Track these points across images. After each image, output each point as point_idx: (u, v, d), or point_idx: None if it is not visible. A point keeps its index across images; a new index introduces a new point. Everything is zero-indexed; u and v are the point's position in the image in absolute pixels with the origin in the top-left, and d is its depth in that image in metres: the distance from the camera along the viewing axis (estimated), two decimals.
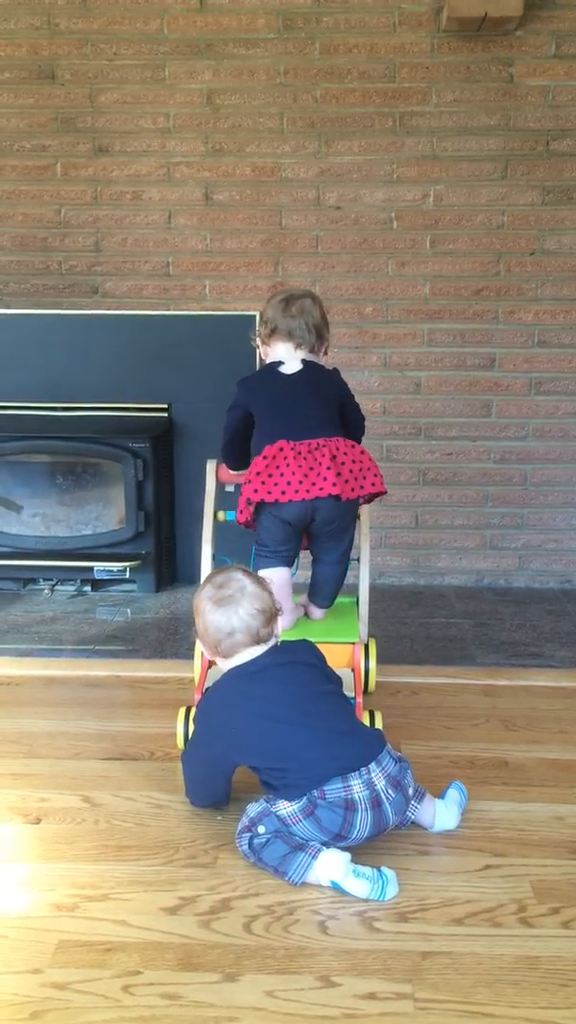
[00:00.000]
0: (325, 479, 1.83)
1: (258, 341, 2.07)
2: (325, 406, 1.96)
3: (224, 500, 2.21)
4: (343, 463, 1.87)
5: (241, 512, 1.92)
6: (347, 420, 2.03)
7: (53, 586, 3.08)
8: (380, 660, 2.25)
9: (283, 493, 1.83)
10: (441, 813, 1.60)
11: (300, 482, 1.83)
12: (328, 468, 1.83)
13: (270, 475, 1.84)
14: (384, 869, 1.44)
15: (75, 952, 1.31)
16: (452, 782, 1.69)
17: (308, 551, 2.07)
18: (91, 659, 2.48)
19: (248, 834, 1.50)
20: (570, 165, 2.99)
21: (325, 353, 2.06)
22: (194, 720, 1.71)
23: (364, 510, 2.08)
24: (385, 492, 1.96)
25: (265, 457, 1.86)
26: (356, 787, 1.46)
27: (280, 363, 2.00)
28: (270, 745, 1.52)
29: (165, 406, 3.08)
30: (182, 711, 1.88)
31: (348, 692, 1.84)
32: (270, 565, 1.95)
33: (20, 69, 3.02)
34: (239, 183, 3.05)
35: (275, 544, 1.93)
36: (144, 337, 3.03)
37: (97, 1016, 1.19)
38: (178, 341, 3.02)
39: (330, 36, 2.95)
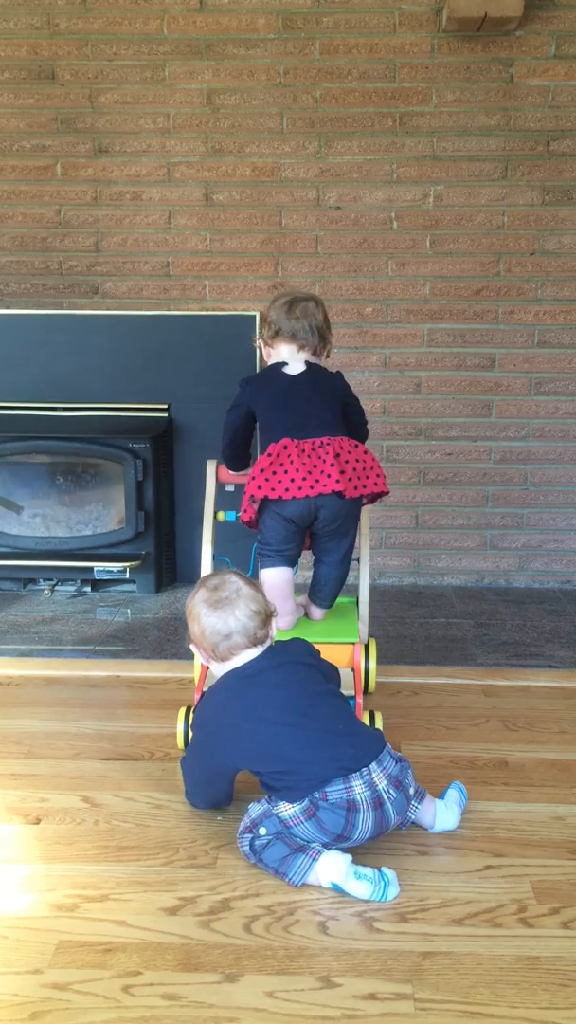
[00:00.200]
0: (329, 476, 1.83)
1: (260, 342, 2.08)
2: (329, 406, 1.96)
3: (224, 500, 2.21)
4: (347, 461, 1.87)
5: (245, 511, 1.92)
6: (350, 422, 2.03)
7: (53, 586, 3.08)
8: (380, 660, 2.25)
9: (287, 490, 1.83)
10: (442, 813, 1.60)
11: (304, 479, 1.83)
12: (332, 465, 1.84)
13: (274, 472, 1.85)
14: (385, 870, 1.44)
15: (75, 952, 1.31)
16: (452, 782, 1.69)
17: (309, 551, 2.07)
18: (91, 659, 2.48)
19: (249, 835, 1.50)
20: (570, 165, 2.99)
21: (327, 356, 2.07)
22: (192, 726, 1.70)
23: (364, 510, 2.08)
24: (387, 492, 1.97)
25: (269, 455, 1.86)
26: (358, 788, 1.46)
27: (283, 364, 2.01)
28: (270, 749, 1.51)
29: (165, 406, 3.08)
30: (182, 711, 1.88)
31: (348, 692, 1.84)
32: (273, 565, 1.96)
33: (20, 69, 3.02)
34: (239, 183, 3.05)
35: (278, 543, 1.93)
36: (144, 337, 3.03)
37: (97, 1017, 1.19)
38: (178, 341, 3.02)
39: (330, 36, 2.95)
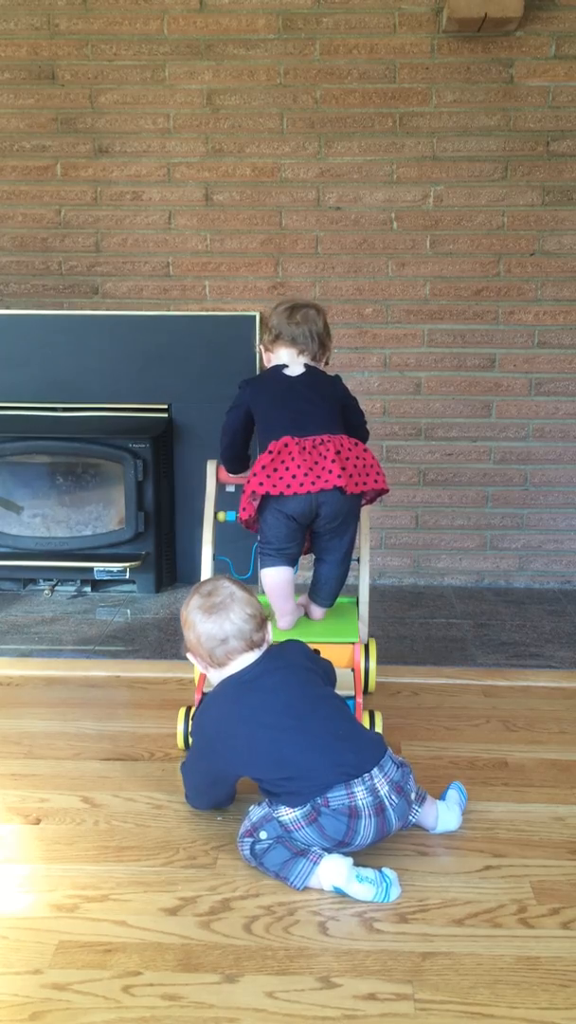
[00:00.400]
0: (330, 472, 1.84)
1: (262, 347, 2.10)
2: (328, 406, 1.98)
3: (224, 501, 2.21)
4: (347, 458, 1.88)
5: (244, 509, 1.92)
6: (350, 423, 2.04)
7: (53, 587, 3.08)
8: (380, 660, 2.25)
9: (288, 487, 1.84)
10: (444, 815, 1.60)
11: (305, 475, 1.84)
12: (333, 462, 1.85)
13: (275, 469, 1.85)
14: (386, 870, 1.44)
15: (75, 953, 1.31)
16: (452, 783, 1.69)
17: (309, 551, 2.07)
18: (91, 659, 2.48)
19: (250, 839, 1.49)
20: (570, 166, 2.99)
21: (326, 363, 2.09)
22: (191, 733, 1.70)
23: (364, 511, 2.08)
24: (388, 490, 1.98)
25: (270, 452, 1.87)
26: (360, 794, 1.45)
27: (283, 366, 2.02)
28: (270, 756, 1.50)
29: (165, 406, 3.08)
30: (182, 711, 1.88)
31: (347, 692, 1.84)
32: (273, 564, 1.96)
33: (20, 69, 3.02)
34: (239, 183, 3.05)
35: (279, 542, 1.93)
36: (144, 337, 3.03)
37: (97, 1017, 1.19)
38: (178, 341, 3.03)
39: (330, 37, 2.95)
